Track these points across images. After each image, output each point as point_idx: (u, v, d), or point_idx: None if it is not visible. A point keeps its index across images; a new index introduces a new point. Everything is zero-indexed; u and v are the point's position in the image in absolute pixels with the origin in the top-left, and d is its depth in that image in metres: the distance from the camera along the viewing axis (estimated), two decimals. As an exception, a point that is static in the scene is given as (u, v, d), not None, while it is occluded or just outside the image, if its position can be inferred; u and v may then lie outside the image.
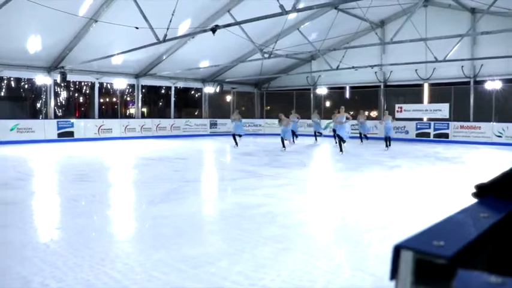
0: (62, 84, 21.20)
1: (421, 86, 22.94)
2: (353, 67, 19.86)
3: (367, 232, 5.30)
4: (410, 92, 23.86)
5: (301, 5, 13.44)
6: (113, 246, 4.82)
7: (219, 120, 26.48)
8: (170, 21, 12.55)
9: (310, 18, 19.48)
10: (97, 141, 20.52)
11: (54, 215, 6.49)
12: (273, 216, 6.04)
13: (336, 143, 16.01)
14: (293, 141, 19.70)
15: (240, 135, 18.00)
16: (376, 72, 23.47)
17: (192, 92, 28.53)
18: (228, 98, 29.13)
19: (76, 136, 20.53)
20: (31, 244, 4.77)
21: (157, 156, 14.46)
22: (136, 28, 13.94)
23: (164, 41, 13.52)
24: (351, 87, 26.05)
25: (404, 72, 22.39)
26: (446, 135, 21.24)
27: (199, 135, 24.81)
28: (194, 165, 12.83)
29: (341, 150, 15.08)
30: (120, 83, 22.96)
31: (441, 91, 22.14)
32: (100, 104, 23.94)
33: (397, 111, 23.00)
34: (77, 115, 26.32)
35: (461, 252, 0.53)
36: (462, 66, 20.53)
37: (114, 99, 26.66)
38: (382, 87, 24.19)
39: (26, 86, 22.63)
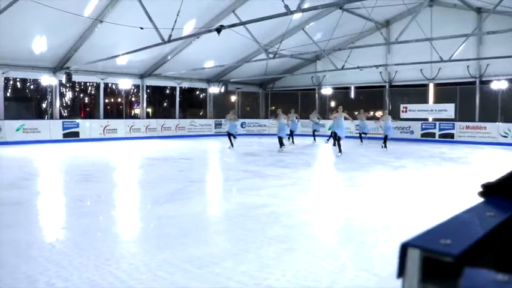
0: (67, 85, 21.29)
1: (426, 86, 22.86)
2: (358, 67, 19.83)
3: (372, 232, 5.29)
4: (416, 92, 23.78)
5: (306, 5, 13.43)
6: (118, 246, 4.83)
7: (224, 121, 26.49)
8: (175, 21, 12.57)
9: (315, 18, 19.46)
10: (102, 141, 20.58)
11: (60, 215, 6.52)
12: (278, 217, 6.04)
13: (335, 144, 15.66)
14: (292, 141, 19.60)
15: (234, 136, 17.80)
16: (381, 72, 23.43)
17: (197, 92, 28.59)
18: (233, 98, 29.16)
19: (81, 136, 20.60)
20: (37, 244, 4.79)
21: (162, 157, 14.49)
22: (141, 28, 13.99)
23: (169, 41, 13.54)
24: (356, 87, 26.00)
25: (410, 72, 22.33)
26: (451, 136, 21.16)
27: (204, 136, 24.84)
28: (199, 166, 12.85)
29: (340, 151, 14.80)
30: (125, 84, 23.03)
31: (446, 91, 22.05)
32: (105, 105, 24.01)
33: (402, 111, 22.95)
34: (82, 115, 26.43)
35: (468, 251, 0.53)
36: (468, 66, 20.45)
37: (119, 100, 26.74)
38: (387, 87, 24.14)
39: (32, 86, 22.75)
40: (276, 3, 11.32)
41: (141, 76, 23.36)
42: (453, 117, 21.42)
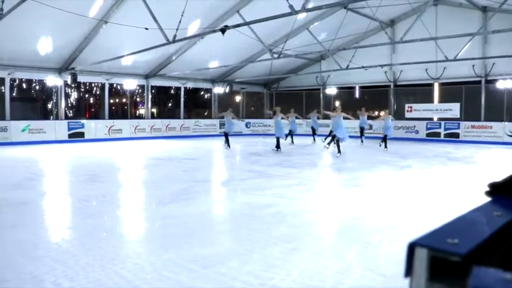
0: (73, 85, 21.38)
1: (431, 85, 22.79)
2: (363, 67, 19.78)
3: (378, 232, 5.28)
4: (421, 92, 23.72)
5: (310, 5, 13.43)
6: (123, 246, 4.85)
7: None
8: (180, 21, 12.59)
9: (320, 18, 19.44)
10: (107, 141, 20.65)
11: (65, 215, 6.54)
12: (283, 216, 6.04)
13: (334, 143, 15.20)
14: (292, 141, 19.47)
15: (227, 134, 17.56)
16: (386, 72, 23.38)
17: (202, 93, 28.61)
18: (238, 98, 29.17)
19: (86, 137, 20.67)
20: (43, 244, 4.82)
21: (167, 157, 14.52)
22: (146, 29, 14.02)
23: (174, 41, 13.57)
24: (361, 87, 25.95)
25: (415, 72, 22.26)
26: (457, 135, 21.08)
27: (208, 136, 24.85)
28: (204, 166, 12.86)
29: (339, 151, 14.49)
30: (130, 84, 23.08)
31: (452, 90, 21.97)
32: (110, 105, 24.07)
33: (407, 110, 22.89)
34: (87, 116, 26.51)
35: (476, 250, 0.53)
36: (473, 65, 20.37)
37: (124, 100, 26.80)
38: (392, 86, 24.08)
39: (37, 87, 22.84)
40: (281, 3, 11.31)
41: (146, 76, 23.41)
42: (458, 116, 21.33)
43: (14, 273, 3.80)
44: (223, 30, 12.14)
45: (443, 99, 22.58)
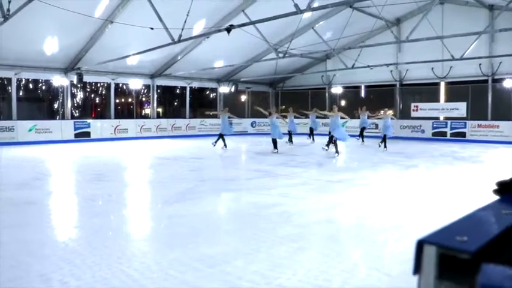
0: (79, 85, 21.47)
1: (437, 84, 22.69)
2: (368, 66, 19.72)
3: (383, 232, 5.26)
4: (427, 91, 23.62)
5: (315, 4, 13.39)
6: (129, 245, 4.86)
7: (234, 120, 26.52)
8: (185, 21, 12.61)
9: (325, 17, 19.41)
10: (113, 141, 20.71)
11: (72, 214, 6.57)
12: (289, 216, 6.04)
13: (332, 143, 14.71)
14: (290, 141, 19.31)
15: (222, 136, 17.26)
16: (391, 71, 23.31)
17: (207, 92, 28.65)
18: (243, 97, 29.18)
19: (92, 136, 20.74)
20: (50, 243, 4.84)
21: (172, 156, 14.55)
22: (152, 29, 14.05)
23: (179, 41, 13.59)
24: (366, 86, 25.90)
25: (421, 71, 22.18)
26: (463, 134, 20.98)
27: (214, 135, 24.77)
28: (209, 165, 12.87)
29: (336, 151, 14.22)
30: (135, 84, 23.15)
31: (458, 90, 21.87)
32: (116, 105, 24.15)
33: (413, 110, 22.81)
34: (93, 115, 26.62)
35: (485, 248, 0.53)
36: (480, 64, 20.26)
37: (130, 100, 26.89)
38: (398, 86, 24.00)
39: (44, 87, 22.97)
40: (286, 3, 11.30)
41: (152, 76, 23.47)
42: (465, 116, 21.22)
43: (21, 272, 3.82)
44: (228, 30, 12.14)
45: (449, 98, 22.48)
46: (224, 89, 26.44)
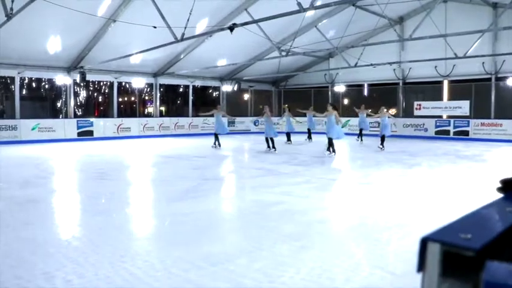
0: (82, 84, 21.48)
1: (440, 83, 22.63)
2: (371, 64, 19.69)
3: (386, 230, 5.26)
4: (430, 89, 23.58)
5: (318, 2, 13.37)
6: (133, 243, 4.88)
7: (237, 119, 26.56)
8: (188, 20, 12.60)
9: (328, 15, 19.37)
10: (116, 140, 20.74)
11: (75, 212, 6.59)
12: (292, 214, 6.04)
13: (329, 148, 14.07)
14: (289, 140, 19.18)
15: (217, 136, 16.88)
16: (394, 70, 23.27)
17: (210, 91, 28.67)
18: (246, 96, 29.18)
19: (95, 135, 20.78)
20: (53, 241, 4.85)
21: (175, 155, 14.56)
22: (154, 27, 14.05)
23: (182, 39, 13.58)
24: (369, 85, 25.85)
25: (424, 69, 22.12)
26: (466, 133, 20.93)
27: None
28: (213, 163, 12.88)
29: (333, 151, 13.82)
30: (138, 82, 23.17)
31: (461, 88, 21.81)
32: (119, 103, 24.19)
33: (416, 108, 22.76)
34: (96, 114, 26.67)
35: (489, 245, 0.53)
36: (483, 63, 20.20)
37: (133, 98, 26.94)
38: (401, 84, 23.95)
39: (47, 86, 23.01)
40: (289, 1, 11.28)
41: (155, 75, 23.48)
42: (468, 114, 21.16)
43: (25, 270, 3.83)
44: (231, 28, 12.14)
45: (452, 96, 22.42)
46: (227, 88, 26.44)
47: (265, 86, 29.10)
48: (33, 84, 22.44)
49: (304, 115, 21.03)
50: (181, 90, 27.08)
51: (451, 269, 0.52)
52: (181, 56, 21.25)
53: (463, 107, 21.28)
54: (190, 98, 25.72)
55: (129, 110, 28.17)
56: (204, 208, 6.50)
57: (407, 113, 23.59)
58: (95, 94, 26.80)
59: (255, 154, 14.78)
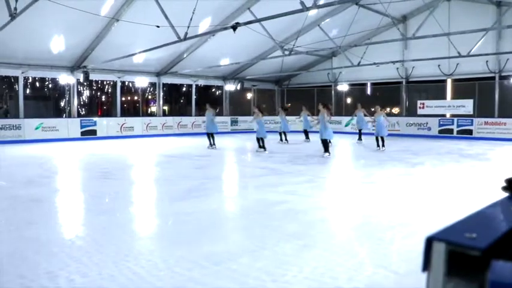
0: (85, 84, 21.58)
1: (444, 81, 22.57)
2: (374, 63, 19.65)
3: (390, 229, 5.25)
4: (433, 88, 23.52)
5: (321, 1, 13.36)
6: (136, 242, 4.88)
7: (240, 118, 26.57)
8: (191, 19, 12.59)
9: (331, 14, 19.34)
10: (119, 139, 20.77)
11: (79, 211, 6.59)
12: (295, 213, 6.04)
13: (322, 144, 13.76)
14: (284, 139, 19.06)
15: (211, 134, 16.53)
16: (398, 68, 23.22)
17: (213, 90, 28.71)
18: (249, 95, 29.18)
19: (99, 134, 20.82)
20: (57, 240, 4.86)
21: (178, 154, 14.58)
22: (158, 27, 14.05)
23: (185, 39, 13.58)
24: (373, 84, 25.81)
25: (427, 68, 22.07)
26: (470, 132, 20.86)
27: (220, 133, 24.78)
28: (215, 163, 12.88)
29: (327, 151, 13.48)
30: (141, 82, 23.20)
31: (465, 87, 21.74)
32: (122, 103, 24.26)
33: (420, 107, 22.69)
34: (99, 114, 26.75)
35: (494, 245, 0.52)
36: (487, 61, 20.13)
37: (136, 98, 26.99)
38: (404, 83, 23.90)
39: (50, 85, 23.11)
40: (292, 0, 11.27)
41: (158, 74, 23.50)
42: (471, 113, 21.09)
43: (28, 270, 3.84)
44: (234, 28, 12.13)
45: (456, 95, 22.37)
46: (230, 87, 26.44)
47: (268, 85, 29.09)
48: (37, 84, 22.54)
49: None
50: (184, 89, 27.15)
51: (456, 268, 0.51)
52: (184, 56, 21.26)
53: (467, 105, 21.21)
54: (194, 97, 25.75)
55: (132, 110, 28.24)
56: (207, 207, 6.50)
57: (411, 112, 23.54)
58: (98, 93, 26.91)
59: (258, 153, 14.76)
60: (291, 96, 29.05)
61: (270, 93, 29.71)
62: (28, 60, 18.34)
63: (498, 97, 20.69)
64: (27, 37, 15.93)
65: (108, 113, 26.53)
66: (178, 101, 30.37)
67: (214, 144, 16.45)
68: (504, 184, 0.84)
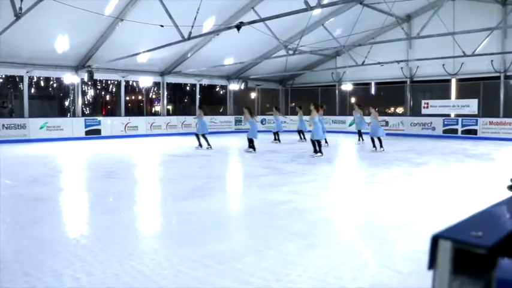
0: (89, 83, 21.64)
1: (448, 81, 22.49)
2: (379, 63, 19.62)
3: (394, 229, 5.24)
4: (438, 88, 23.45)
5: (325, 1, 13.34)
6: (140, 241, 4.89)
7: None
8: (195, 18, 12.61)
9: (335, 13, 19.32)
10: (123, 138, 20.82)
11: (83, 210, 6.62)
12: (299, 213, 6.04)
13: (312, 143, 13.56)
14: (276, 139, 19.02)
15: (201, 135, 16.18)
16: (402, 68, 23.17)
17: (217, 89, 28.73)
18: (253, 95, 29.18)
19: (103, 134, 20.86)
20: (61, 239, 4.88)
21: (182, 153, 14.59)
22: (162, 26, 14.07)
23: (189, 38, 13.59)
24: (377, 83, 25.77)
25: (431, 68, 22.00)
26: (474, 132, 20.79)
27: (224, 132, 24.92)
28: (219, 162, 12.90)
29: (319, 151, 13.35)
30: (145, 81, 23.25)
31: (469, 86, 21.66)
32: (126, 102, 24.30)
33: (424, 107, 22.62)
34: (103, 113, 26.82)
35: (500, 243, 0.52)
36: (492, 61, 20.04)
37: (140, 97, 27.05)
38: (408, 82, 23.84)
39: (55, 85, 23.18)
40: (296, -1, 11.28)
41: (162, 73, 23.53)
42: (476, 113, 21.01)
43: (33, 268, 3.86)
44: (238, 27, 12.14)
45: (460, 95, 22.28)
46: (234, 87, 26.45)
47: (272, 84, 29.08)
48: (42, 83, 22.61)
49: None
50: (188, 89, 27.16)
51: (462, 266, 0.51)
52: (188, 55, 21.28)
53: (471, 105, 21.13)
54: (198, 96, 25.76)
55: (137, 109, 28.30)
56: (211, 207, 6.51)
57: (415, 111, 23.48)
58: (103, 93, 26.99)
59: (261, 153, 14.76)
60: (295, 95, 29.03)
61: (274, 93, 29.70)
62: (33, 59, 18.40)
63: (503, 97, 20.61)
64: (31, 37, 15.98)
65: (113, 112, 26.60)
66: (182, 100, 30.41)
67: (201, 145, 16.07)
68: (510, 183, 0.83)
